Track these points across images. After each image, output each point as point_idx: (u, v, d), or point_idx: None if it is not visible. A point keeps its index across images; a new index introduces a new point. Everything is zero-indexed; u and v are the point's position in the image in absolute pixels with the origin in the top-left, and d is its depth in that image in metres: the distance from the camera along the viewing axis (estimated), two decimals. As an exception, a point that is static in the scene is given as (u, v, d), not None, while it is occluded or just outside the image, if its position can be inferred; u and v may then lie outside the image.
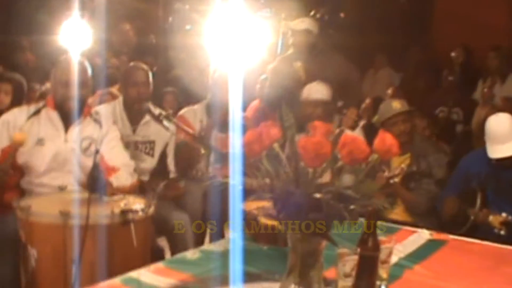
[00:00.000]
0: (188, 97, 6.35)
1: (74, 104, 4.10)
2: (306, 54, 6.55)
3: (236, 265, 2.73)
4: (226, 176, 2.28)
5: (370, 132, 5.31)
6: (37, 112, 4.23)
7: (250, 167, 2.19)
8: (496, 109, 5.72)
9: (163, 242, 4.76)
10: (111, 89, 5.81)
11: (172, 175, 4.91)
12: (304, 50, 6.58)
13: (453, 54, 8.77)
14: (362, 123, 6.45)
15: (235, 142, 2.21)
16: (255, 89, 6.01)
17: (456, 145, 6.72)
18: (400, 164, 4.79)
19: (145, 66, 4.97)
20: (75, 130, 4.20)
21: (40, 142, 4.15)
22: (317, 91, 5.40)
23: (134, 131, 4.84)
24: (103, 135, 4.22)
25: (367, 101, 7.02)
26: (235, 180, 2.26)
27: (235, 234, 2.99)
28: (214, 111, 5.02)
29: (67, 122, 4.20)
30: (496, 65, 8.23)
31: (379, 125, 5.09)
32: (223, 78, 4.80)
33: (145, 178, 4.81)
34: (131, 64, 5.19)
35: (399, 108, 4.95)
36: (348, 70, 6.74)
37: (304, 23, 6.65)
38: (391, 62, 9.49)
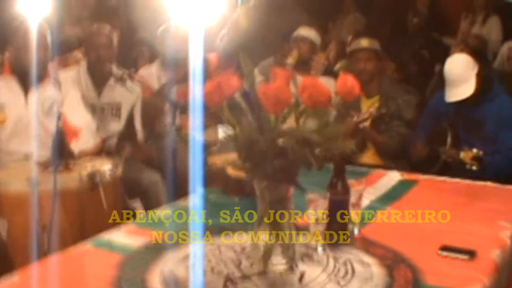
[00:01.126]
0: (154, 56, 6.29)
1: (33, 68, 4.01)
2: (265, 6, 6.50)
3: (208, 219, 2.73)
4: (191, 128, 2.24)
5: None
6: None
7: (211, 117, 2.16)
8: (469, 49, 5.72)
9: (136, 204, 4.74)
10: (75, 53, 5.73)
11: (139, 135, 4.87)
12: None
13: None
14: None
15: (196, 93, 2.17)
16: (215, 43, 6.01)
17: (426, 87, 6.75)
18: (369, 107, 4.80)
19: (107, 28, 4.90)
20: (34, 93, 4.14)
21: (0, 109, 4.07)
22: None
23: (99, 94, 4.78)
24: (63, 97, 4.16)
25: (331, 46, 7.01)
26: (197, 132, 2.23)
27: (205, 189, 2.96)
28: (169, 66, 4.98)
29: (26, 86, 4.14)
30: (481, 2, 8.22)
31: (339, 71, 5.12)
32: (176, 32, 4.77)
33: (113, 141, 4.76)
34: (93, 27, 5.10)
35: (365, 45, 5.00)
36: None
37: None
38: (359, 7, 9.42)
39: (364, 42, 5.03)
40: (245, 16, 6.25)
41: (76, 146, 3.94)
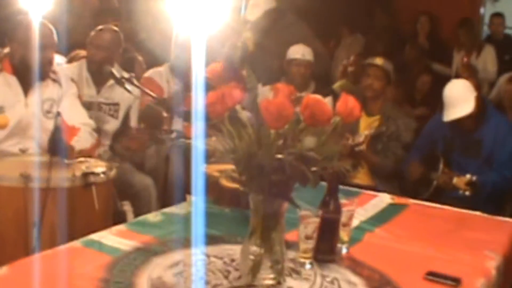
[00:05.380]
0: (153, 61, 6.30)
1: (35, 67, 3.98)
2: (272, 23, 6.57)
3: (199, 228, 2.74)
4: (189, 136, 2.28)
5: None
6: None
7: (212, 128, 2.18)
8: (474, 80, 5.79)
9: (126, 206, 4.75)
10: (78, 51, 5.74)
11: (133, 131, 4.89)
12: (271, 20, 6.60)
13: (419, 25, 8.85)
14: None
15: (198, 103, 2.20)
16: (220, 52, 6.04)
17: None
18: (369, 125, 4.85)
19: (115, 29, 4.92)
20: (35, 93, 4.10)
21: (0, 110, 4.03)
22: (297, 51, 5.78)
23: (98, 92, 4.80)
24: (62, 94, 4.16)
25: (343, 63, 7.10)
26: (198, 141, 2.25)
27: (198, 197, 2.98)
28: (178, 72, 5.01)
29: (26, 86, 4.10)
30: (468, 39, 8.32)
31: (339, 91, 5.17)
32: (186, 40, 4.79)
33: (108, 140, 4.78)
34: (101, 26, 5.11)
35: (379, 63, 5.08)
36: (313, 44, 6.76)
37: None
38: (358, 29, 9.46)
39: (379, 60, 5.10)
40: (252, 42, 6.32)
41: (77, 143, 3.95)
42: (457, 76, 7.37)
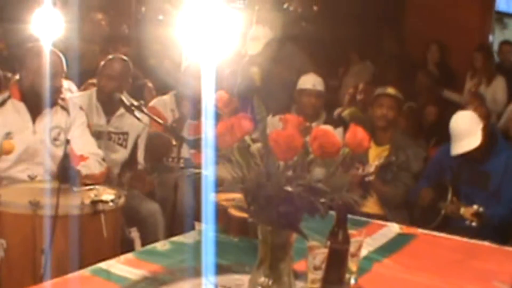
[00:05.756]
0: (161, 88, 6.34)
1: (45, 94, 3.99)
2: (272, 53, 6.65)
3: (207, 257, 2.73)
4: (199, 164, 2.28)
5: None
6: (2, 104, 4.10)
7: (222, 158, 2.19)
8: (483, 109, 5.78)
9: (134, 233, 4.75)
10: (90, 81, 5.78)
11: (140, 167, 4.90)
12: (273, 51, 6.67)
13: (428, 53, 8.87)
14: None
15: (208, 132, 2.21)
16: (224, 79, 6.13)
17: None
18: (378, 154, 4.85)
19: (125, 58, 4.94)
20: (43, 120, 4.11)
21: (8, 136, 4.01)
22: (308, 81, 5.73)
23: (108, 121, 4.82)
24: (71, 122, 4.18)
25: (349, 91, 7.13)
26: (207, 170, 2.26)
27: (206, 226, 2.98)
28: (185, 101, 5.03)
29: (34, 112, 4.10)
30: (483, 64, 8.31)
31: (349, 119, 5.17)
32: (195, 68, 4.81)
33: (117, 169, 4.79)
34: (111, 56, 5.12)
35: (392, 92, 5.08)
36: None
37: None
38: (367, 56, 9.49)
39: (391, 90, 5.09)
40: (258, 76, 6.37)
41: (84, 168, 3.95)
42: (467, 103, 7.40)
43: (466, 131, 4.51)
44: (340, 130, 5.06)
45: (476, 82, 8.19)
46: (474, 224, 4.28)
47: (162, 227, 4.60)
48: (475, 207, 4.30)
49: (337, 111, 6.98)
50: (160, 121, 4.36)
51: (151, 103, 5.29)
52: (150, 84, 6.79)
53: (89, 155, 4.13)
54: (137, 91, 5.24)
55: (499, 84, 8.18)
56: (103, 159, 4.26)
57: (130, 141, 4.86)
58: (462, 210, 4.36)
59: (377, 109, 5.01)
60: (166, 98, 5.25)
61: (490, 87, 8.16)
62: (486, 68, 8.31)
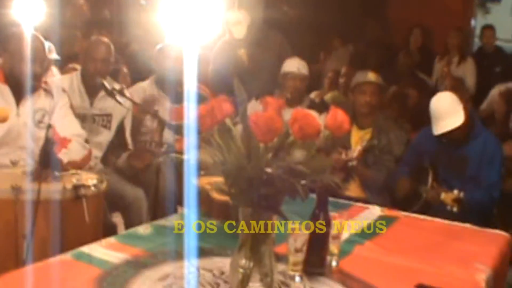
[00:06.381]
0: (142, 74, 6.31)
1: (27, 78, 3.99)
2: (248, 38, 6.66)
3: (189, 241, 2.74)
4: (182, 149, 2.27)
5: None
6: None
7: (202, 141, 2.19)
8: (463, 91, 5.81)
9: (117, 218, 4.75)
10: (72, 64, 5.75)
11: (129, 146, 4.89)
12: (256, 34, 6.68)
13: (411, 37, 8.90)
14: None
15: (190, 115, 2.20)
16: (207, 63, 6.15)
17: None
18: (360, 137, 4.85)
19: (107, 41, 4.92)
20: (27, 103, 4.11)
21: None
22: (293, 65, 5.78)
23: (91, 104, 4.80)
24: (54, 105, 4.17)
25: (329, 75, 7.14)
26: (190, 155, 2.25)
27: (189, 210, 2.98)
28: (163, 85, 5.02)
29: (18, 95, 4.10)
30: (456, 44, 8.35)
31: (331, 103, 5.17)
32: (170, 52, 4.82)
33: (101, 152, 4.78)
34: (93, 38, 5.09)
35: (373, 79, 5.06)
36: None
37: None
38: (349, 41, 9.48)
39: (372, 76, 5.09)
40: (247, 57, 6.37)
41: (66, 156, 3.95)
42: (437, 86, 7.45)
43: (449, 110, 4.48)
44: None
45: (446, 63, 8.22)
46: (454, 209, 4.29)
47: (146, 212, 4.59)
48: (455, 192, 4.30)
49: (314, 94, 6.98)
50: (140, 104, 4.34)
51: (130, 90, 5.27)
52: (125, 70, 6.75)
53: (72, 136, 4.14)
54: (112, 76, 5.20)
55: (468, 66, 8.22)
56: (87, 141, 4.25)
57: (114, 123, 4.84)
58: (443, 196, 4.35)
59: (359, 96, 5.00)
60: (145, 83, 5.24)
61: (459, 68, 8.19)
62: (459, 48, 8.35)
